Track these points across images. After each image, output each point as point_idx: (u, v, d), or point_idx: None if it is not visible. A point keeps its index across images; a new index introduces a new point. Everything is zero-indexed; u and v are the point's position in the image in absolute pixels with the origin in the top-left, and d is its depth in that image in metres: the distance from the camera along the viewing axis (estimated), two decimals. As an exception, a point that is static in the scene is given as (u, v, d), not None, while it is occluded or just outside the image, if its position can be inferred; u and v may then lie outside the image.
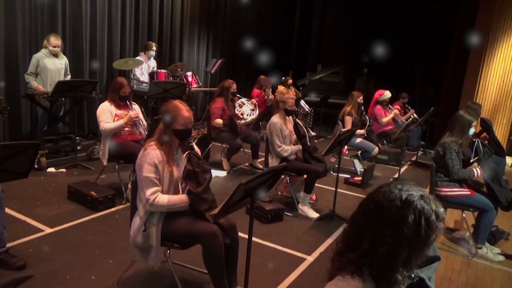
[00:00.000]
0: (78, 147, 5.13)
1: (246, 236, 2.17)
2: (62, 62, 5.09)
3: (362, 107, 5.52)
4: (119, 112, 3.93)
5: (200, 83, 7.30)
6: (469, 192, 3.38)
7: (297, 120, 4.21)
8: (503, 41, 7.05)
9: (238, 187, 1.90)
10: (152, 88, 5.18)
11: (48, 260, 2.80)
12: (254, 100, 5.67)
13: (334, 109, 7.98)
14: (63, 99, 5.30)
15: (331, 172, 5.34)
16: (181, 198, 2.36)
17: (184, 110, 2.42)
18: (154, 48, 6.54)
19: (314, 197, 4.39)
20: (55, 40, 4.87)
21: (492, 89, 7.24)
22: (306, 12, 12.57)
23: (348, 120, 5.32)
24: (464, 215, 3.55)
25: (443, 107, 8.13)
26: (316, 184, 4.14)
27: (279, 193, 4.58)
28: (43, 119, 5.18)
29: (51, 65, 4.95)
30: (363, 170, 5.24)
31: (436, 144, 3.54)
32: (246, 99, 5.57)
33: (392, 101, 6.58)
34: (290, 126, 4.19)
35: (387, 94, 6.22)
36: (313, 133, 5.38)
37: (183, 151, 2.49)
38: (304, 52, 12.66)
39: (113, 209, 3.76)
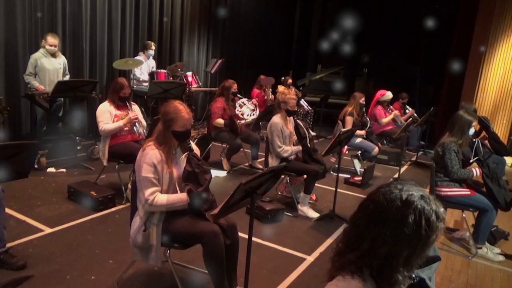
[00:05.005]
0: (78, 147, 5.12)
1: (246, 236, 2.17)
2: (60, 62, 5.09)
3: (364, 108, 5.52)
4: (118, 112, 3.93)
5: (200, 83, 7.30)
6: (469, 192, 3.38)
7: (297, 121, 4.21)
8: (503, 41, 7.05)
9: (238, 187, 1.90)
10: (152, 88, 5.18)
11: (48, 260, 2.80)
12: (254, 101, 5.67)
13: (334, 109, 7.99)
14: (62, 99, 5.30)
15: (331, 172, 5.34)
16: (180, 196, 2.36)
17: (184, 112, 2.42)
18: (153, 47, 6.54)
19: (314, 197, 4.39)
20: (52, 39, 4.87)
21: (492, 89, 7.24)
22: (306, 12, 12.56)
23: (349, 121, 5.32)
24: (464, 215, 3.55)
25: (443, 107, 8.13)
26: (316, 184, 4.14)
27: (279, 193, 4.58)
28: (43, 119, 5.18)
29: (49, 65, 4.95)
30: (363, 170, 5.24)
31: (436, 144, 3.55)
32: (246, 99, 5.56)
33: (392, 101, 6.58)
34: (291, 126, 4.19)
35: (389, 95, 6.23)
36: (313, 133, 5.37)
37: (182, 151, 2.49)
38: (304, 52, 12.66)
39: (113, 209, 3.76)
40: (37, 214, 3.51)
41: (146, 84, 6.38)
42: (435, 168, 3.43)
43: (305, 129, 4.16)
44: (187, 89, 6.50)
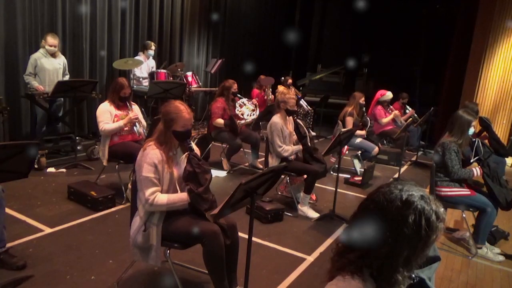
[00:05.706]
0: (78, 147, 5.13)
1: (246, 236, 2.17)
2: (60, 62, 5.09)
3: (364, 108, 5.52)
4: (118, 112, 3.93)
5: (200, 83, 7.30)
6: (469, 192, 3.38)
7: (297, 120, 4.21)
8: (503, 41, 7.05)
9: (238, 187, 1.90)
10: (152, 88, 5.18)
11: (48, 260, 2.80)
12: (255, 101, 5.67)
13: (334, 109, 7.98)
14: (62, 99, 5.30)
15: (331, 172, 5.34)
16: (180, 196, 2.36)
17: (184, 112, 2.42)
18: (153, 47, 6.54)
19: (314, 197, 4.39)
20: (52, 39, 4.87)
21: (492, 89, 7.23)
22: (306, 12, 12.56)
23: (350, 121, 5.32)
24: (464, 215, 3.55)
25: (443, 107, 8.13)
26: (316, 184, 4.13)
27: (279, 193, 4.58)
28: (43, 119, 5.18)
29: (49, 65, 4.94)
30: (363, 170, 5.24)
31: (436, 144, 3.55)
32: (247, 99, 5.56)
33: (392, 101, 6.58)
34: (291, 126, 4.19)
35: (389, 95, 6.23)
36: (313, 133, 5.37)
37: (182, 151, 2.50)
38: (304, 52, 12.65)
39: (113, 209, 3.76)
40: (37, 214, 3.51)
41: (146, 84, 6.38)
42: (435, 168, 3.43)
43: (305, 128, 4.16)
44: (187, 89, 6.50)
